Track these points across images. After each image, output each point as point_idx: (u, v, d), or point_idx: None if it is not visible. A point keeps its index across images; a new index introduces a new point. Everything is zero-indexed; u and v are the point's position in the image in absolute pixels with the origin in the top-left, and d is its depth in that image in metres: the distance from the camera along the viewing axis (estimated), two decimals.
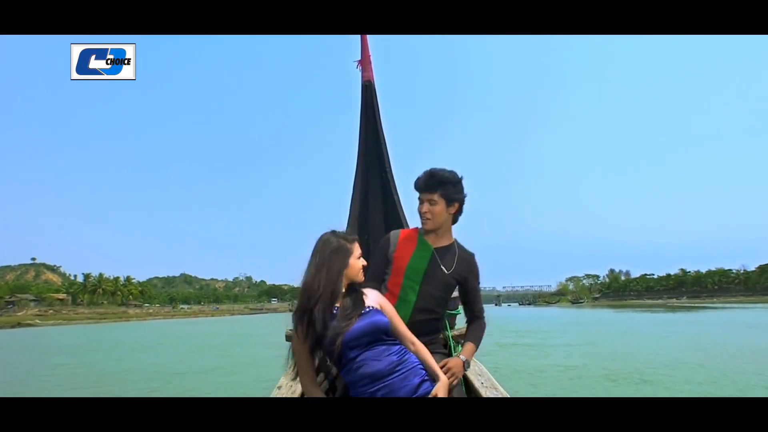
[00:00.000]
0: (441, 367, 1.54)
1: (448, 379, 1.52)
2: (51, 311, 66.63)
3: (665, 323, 28.31)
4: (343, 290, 1.46)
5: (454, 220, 1.80)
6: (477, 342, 1.79)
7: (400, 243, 1.78)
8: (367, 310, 1.43)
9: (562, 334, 20.31)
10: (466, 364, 1.67)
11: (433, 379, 1.45)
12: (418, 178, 1.75)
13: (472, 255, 1.83)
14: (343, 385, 1.63)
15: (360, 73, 2.75)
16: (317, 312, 1.37)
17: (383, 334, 1.42)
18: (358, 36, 2.70)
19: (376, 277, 1.77)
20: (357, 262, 1.49)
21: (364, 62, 2.71)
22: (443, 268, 1.74)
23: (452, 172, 1.73)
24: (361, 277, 1.51)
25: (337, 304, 1.42)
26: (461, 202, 1.77)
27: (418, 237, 1.77)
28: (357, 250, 1.50)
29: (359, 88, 2.77)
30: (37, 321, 49.47)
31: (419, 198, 1.75)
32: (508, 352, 13.92)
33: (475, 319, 1.86)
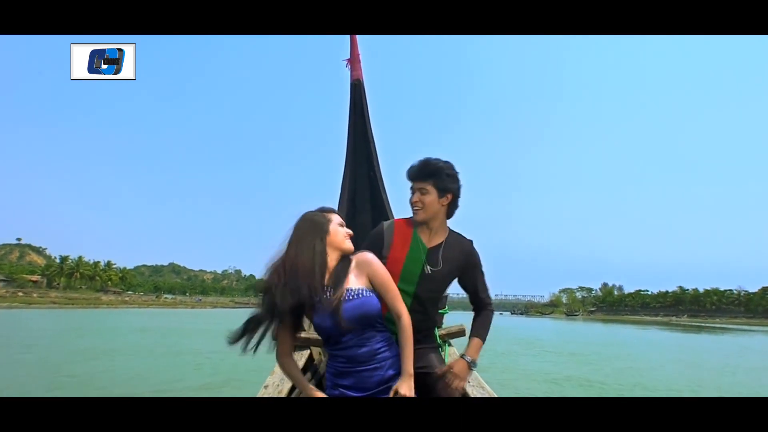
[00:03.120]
0: (447, 370, 1.56)
1: (453, 384, 1.53)
2: (20, 293, 63.18)
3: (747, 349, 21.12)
4: (334, 263, 1.39)
5: (450, 214, 1.67)
6: (484, 336, 1.67)
7: (395, 243, 1.64)
8: (358, 292, 1.36)
9: (637, 363, 13.72)
10: (472, 365, 1.59)
11: (400, 366, 1.38)
12: (411, 166, 1.64)
13: (469, 243, 1.71)
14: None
15: (349, 72, 2.70)
16: (304, 287, 1.29)
17: (373, 319, 1.37)
18: (348, 35, 2.69)
19: None
20: (339, 229, 1.42)
21: (354, 61, 2.66)
22: (438, 267, 1.62)
23: (447, 162, 1.63)
24: (347, 246, 1.42)
25: (325, 281, 1.36)
26: (456, 194, 1.64)
27: (412, 234, 1.65)
28: (336, 218, 1.45)
29: (348, 86, 2.73)
30: None
31: (411, 188, 1.65)
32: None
33: (482, 308, 1.72)
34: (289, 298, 1.29)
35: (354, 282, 1.38)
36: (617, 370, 12.24)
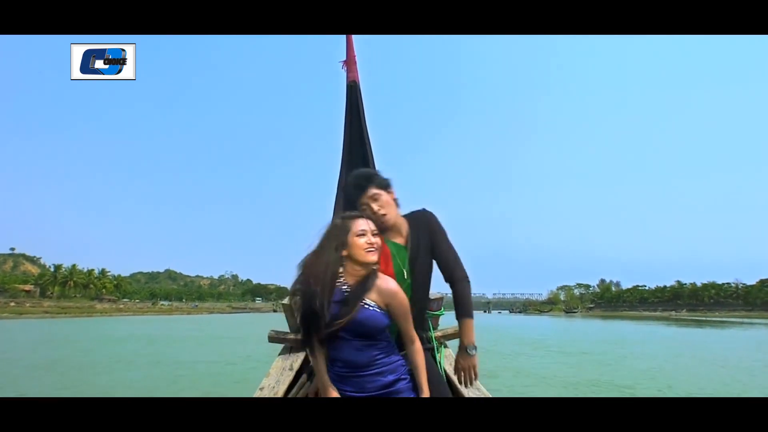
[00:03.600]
0: (457, 370, 1.61)
1: (467, 377, 1.58)
2: (12, 303, 62.27)
3: None
4: (355, 276, 1.41)
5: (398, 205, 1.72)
6: (470, 312, 1.62)
7: (380, 265, 1.57)
8: (369, 305, 1.38)
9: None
10: (473, 350, 1.59)
11: (416, 388, 1.42)
12: (348, 187, 1.70)
13: (422, 211, 1.73)
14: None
15: (345, 74, 2.72)
16: (314, 291, 1.34)
17: (377, 333, 1.39)
18: (344, 36, 2.70)
19: None
20: (358, 241, 1.40)
21: (349, 62, 2.68)
22: (417, 256, 1.65)
23: (366, 168, 1.73)
24: (366, 257, 1.40)
25: (344, 287, 1.39)
26: (391, 185, 1.69)
27: (387, 244, 1.62)
28: (358, 227, 1.42)
29: (344, 88, 2.74)
30: None
31: (361, 204, 1.63)
32: None
33: (457, 281, 1.64)
34: (301, 301, 1.37)
35: (372, 294, 1.40)
36: (640, 372, 11.44)
